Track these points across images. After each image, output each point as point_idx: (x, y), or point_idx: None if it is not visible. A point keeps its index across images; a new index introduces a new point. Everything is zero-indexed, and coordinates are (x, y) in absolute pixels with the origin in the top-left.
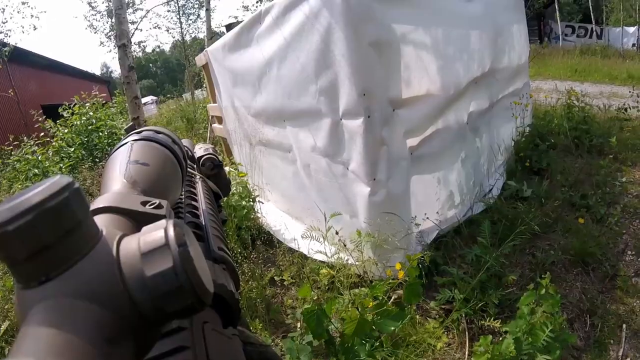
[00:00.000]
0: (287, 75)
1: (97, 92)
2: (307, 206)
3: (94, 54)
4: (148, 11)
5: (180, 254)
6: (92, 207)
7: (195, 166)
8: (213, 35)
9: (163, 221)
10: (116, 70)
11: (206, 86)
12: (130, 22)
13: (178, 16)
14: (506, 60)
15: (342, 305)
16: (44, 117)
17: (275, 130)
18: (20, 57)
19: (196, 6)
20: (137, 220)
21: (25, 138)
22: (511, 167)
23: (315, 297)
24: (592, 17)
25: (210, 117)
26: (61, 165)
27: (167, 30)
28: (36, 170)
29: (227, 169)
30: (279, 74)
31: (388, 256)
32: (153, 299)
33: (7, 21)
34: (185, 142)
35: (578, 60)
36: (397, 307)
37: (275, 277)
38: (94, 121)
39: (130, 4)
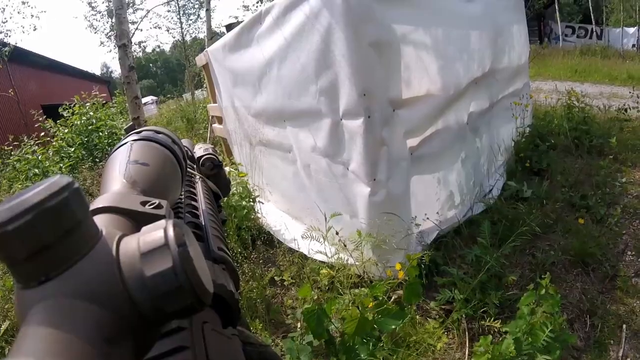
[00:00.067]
0: (287, 76)
1: (97, 92)
2: (307, 206)
3: (94, 54)
4: (148, 11)
5: (179, 254)
6: (92, 207)
7: (195, 166)
8: (213, 36)
9: (163, 221)
10: (116, 70)
11: (206, 86)
12: (130, 22)
13: (178, 16)
14: (506, 61)
15: (342, 305)
16: (44, 117)
17: (276, 130)
18: (21, 57)
19: (196, 6)
20: (136, 220)
21: (25, 138)
22: (511, 168)
23: (316, 297)
24: (592, 17)
25: (210, 117)
26: (61, 165)
27: (168, 31)
28: (36, 170)
29: (227, 169)
30: (279, 74)
31: (388, 256)
32: (153, 299)
33: (7, 21)
34: (185, 142)
35: (578, 60)
36: (398, 307)
37: (276, 277)
38: (94, 121)
39: (131, 4)
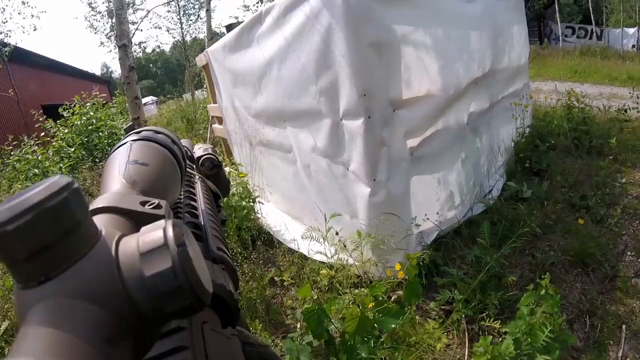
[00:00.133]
0: (287, 76)
1: (98, 92)
2: (307, 207)
3: (94, 54)
4: (149, 11)
5: (179, 254)
6: (92, 207)
7: (194, 166)
8: (213, 36)
9: (162, 221)
10: (116, 70)
11: (206, 86)
12: (130, 23)
13: (178, 16)
14: (506, 61)
15: (341, 306)
16: (44, 117)
17: (276, 130)
18: (21, 57)
19: (196, 7)
20: (136, 220)
21: (25, 138)
22: (511, 168)
23: (315, 297)
24: (592, 18)
25: (210, 118)
26: (61, 165)
27: (168, 31)
28: (36, 170)
29: (227, 169)
30: (279, 75)
31: (388, 257)
32: (152, 298)
33: (7, 21)
34: (184, 142)
35: (578, 61)
36: (398, 306)
37: (275, 278)
38: (94, 121)
39: (131, 4)
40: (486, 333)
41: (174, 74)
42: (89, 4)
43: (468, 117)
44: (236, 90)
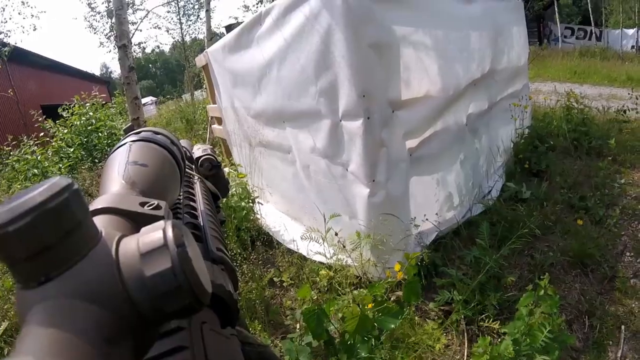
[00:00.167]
0: (287, 77)
1: (97, 93)
2: (307, 207)
3: (94, 55)
4: (149, 12)
5: (178, 255)
6: (91, 207)
7: (193, 167)
8: (213, 36)
9: (162, 222)
10: (116, 70)
11: (206, 87)
12: (130, 23)
13: (178, 17)
14: (505, 62)
15: (340, 306)
16: (44, 117)
17: (275, 131)
18: (20, 57)
19: (196, 7)
20: (135, 221)
21: (24, 138)
22: (510, 169)
23: (315, 298)
24: (592, 19)
25: (210, 118)
26: (60, 165)
27: (167, 31)
28: (35, 171)
29: (226, 169)
30: (279, 75)
31: (387, 257)
32: (152, 299)
33: (6, 21)
34: (183, 142)
35: (577, 62)
36: (397, 306)
37: (275, 278)
38: (94, 121)
39: (130, 5)
40: (485, 334)
41: (173, 74)
42: (89, 4)
43: (467, 118)
44: (236, 90)
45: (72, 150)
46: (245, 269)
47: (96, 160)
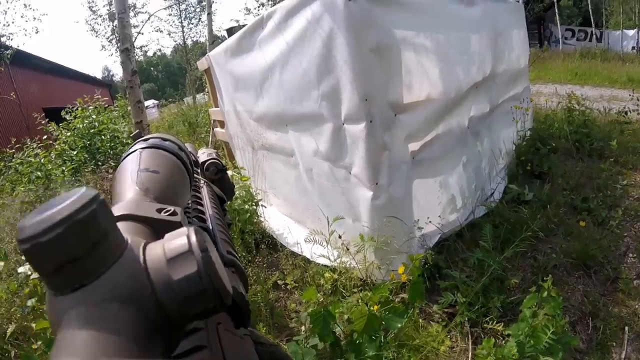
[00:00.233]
0: (289, 80)
1: (100, 96)
2: (310, 210)
3: (96, 58)
4: (151, 15)
5: (203, 259)
6: None
7: (199, 171)
8: (214, 39)
9: (184, 228)
10: (117, 73)
11: (208, 90)
12: (132, 26)
13: (180, 20)
14: (506, 64)
15: (346, 308)
16: (46, 120)
17: (278, 134)
18: (22, 60)
19: (198, 10)
20: (153, 227)
21: (28, 141)
22: (512, 171)
23: (321, 300)
24: (592, 20)
25: (212, 121)
26: (64, 168)
27: (169, 34)
28: (39, 173)
29: (229, 172)
30: (281, 79)
31: (391, 259)
32: (179, 301)
33: (9, 24)
34: (188, 147)
35: (578, 63)
36: (403, 306)
37: (279, 281)
38: (97, 124)
39: (132, 8)
40: (489, 335)
41: (175, 77)
42: (90, 8)
43: (469, 120)
44: (238, 94)
45: (75, 153)
46: (250, 271)
47: (99, 163)
